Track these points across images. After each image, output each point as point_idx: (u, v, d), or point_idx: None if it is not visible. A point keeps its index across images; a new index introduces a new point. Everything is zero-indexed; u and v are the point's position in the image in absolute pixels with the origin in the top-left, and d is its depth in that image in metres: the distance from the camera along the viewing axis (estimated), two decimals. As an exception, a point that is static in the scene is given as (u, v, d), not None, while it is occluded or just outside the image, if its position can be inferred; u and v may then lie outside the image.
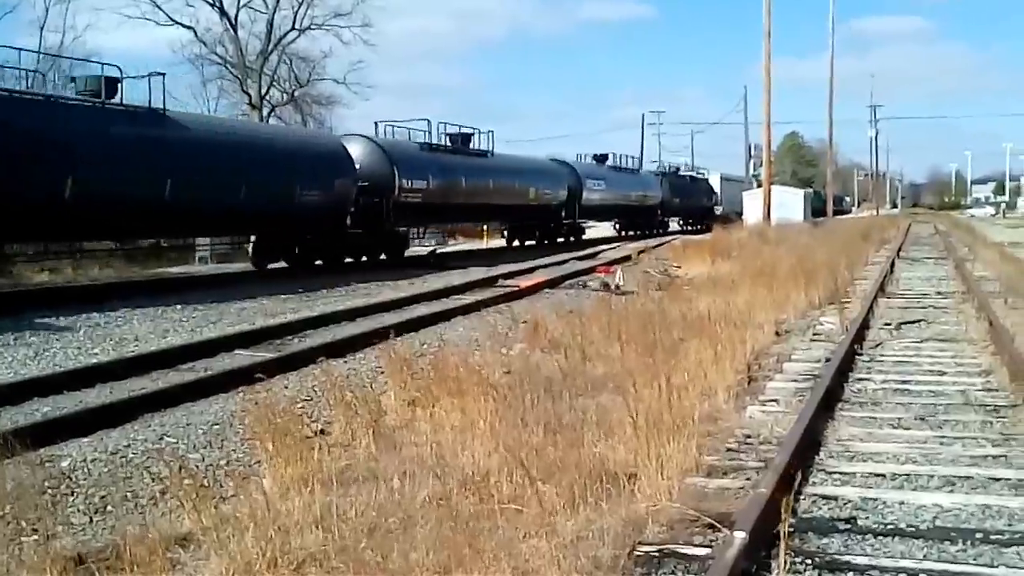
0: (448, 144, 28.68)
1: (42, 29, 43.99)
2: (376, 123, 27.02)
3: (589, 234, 40.27)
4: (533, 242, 35.80)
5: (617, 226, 47.36)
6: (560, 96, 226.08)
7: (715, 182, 60.77)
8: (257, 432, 6.69)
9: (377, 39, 46.12)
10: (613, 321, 10.74)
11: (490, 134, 30.40)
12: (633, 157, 44.71)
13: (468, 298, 16.33)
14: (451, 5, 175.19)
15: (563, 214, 35.85)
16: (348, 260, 23.53)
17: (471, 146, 29.62)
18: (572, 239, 37.16)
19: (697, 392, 7.13)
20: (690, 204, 53.45)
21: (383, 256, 24.83)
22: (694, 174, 58.78)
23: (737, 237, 29.16)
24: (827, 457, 5.96)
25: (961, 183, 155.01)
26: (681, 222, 55.39)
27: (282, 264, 22.70)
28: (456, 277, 20.31)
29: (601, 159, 42.18)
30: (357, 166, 23.15)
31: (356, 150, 23.83)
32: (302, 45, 46.47)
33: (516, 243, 35.94)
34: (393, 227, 25.15)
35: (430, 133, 27.46)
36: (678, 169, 55.44)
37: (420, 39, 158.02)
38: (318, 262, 22.74)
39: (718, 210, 57.10)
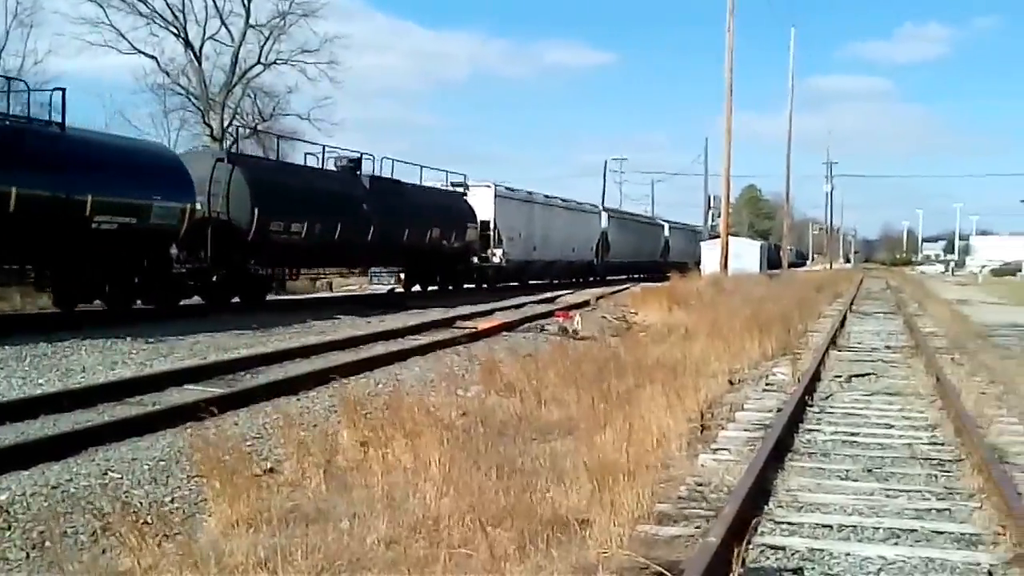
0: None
1: (1, 52, 43.74)
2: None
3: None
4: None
5: None
6: (523, 140, 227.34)
7: (484, 202, 33.21)
8: (204, 469, 6.58)
9: (340, 75, 45.66)
10: (569, 366, 10.76)
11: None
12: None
13: (424, 339, 16.27)
14: (411, 45, 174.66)
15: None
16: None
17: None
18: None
19: (650, 439, 7.14)
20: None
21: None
22: (394, 178, 27.96)
23: (695, 286, 29.42)
24: (776, 507, 5.99)
25: (913, 240, 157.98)
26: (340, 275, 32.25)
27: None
28: (413, 318, 20.24)
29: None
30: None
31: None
32: (267, 79, 46.36)
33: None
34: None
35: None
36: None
37: (379, 76, 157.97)
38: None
39: (499, 256, 34.01)
